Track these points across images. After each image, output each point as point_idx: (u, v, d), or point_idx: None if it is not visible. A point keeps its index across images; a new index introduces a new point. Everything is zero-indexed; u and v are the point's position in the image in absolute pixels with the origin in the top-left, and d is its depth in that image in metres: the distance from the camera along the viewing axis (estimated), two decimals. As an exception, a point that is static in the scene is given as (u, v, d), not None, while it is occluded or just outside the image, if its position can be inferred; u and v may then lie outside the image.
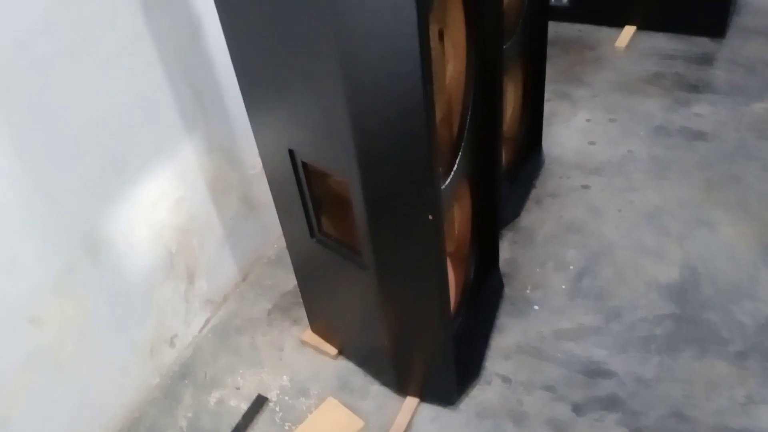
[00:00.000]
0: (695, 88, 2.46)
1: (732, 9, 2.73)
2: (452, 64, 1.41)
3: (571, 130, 2.34)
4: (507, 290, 1.78)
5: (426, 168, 1.11)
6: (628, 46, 2.76)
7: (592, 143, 2.27)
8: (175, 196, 1.62)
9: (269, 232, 1.98)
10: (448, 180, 1.32)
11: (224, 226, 1.81)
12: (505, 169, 1.92)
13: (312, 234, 1.43)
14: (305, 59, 1.08)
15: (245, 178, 1.85)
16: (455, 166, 1.37)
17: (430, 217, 1.17)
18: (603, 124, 2.36)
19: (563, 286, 1.78)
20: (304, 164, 1.30)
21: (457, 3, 1.31)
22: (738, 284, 1.72)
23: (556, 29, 2.88)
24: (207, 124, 1.66)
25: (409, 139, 1.08)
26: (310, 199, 1.37)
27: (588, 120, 2.38)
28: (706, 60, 2.61)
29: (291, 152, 1.28)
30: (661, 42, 2.76)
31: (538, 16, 1.93)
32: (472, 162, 1.50)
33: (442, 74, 1.39)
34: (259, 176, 1.82)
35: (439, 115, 1.34)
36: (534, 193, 2.09)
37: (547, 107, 2.25)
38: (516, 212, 1.98)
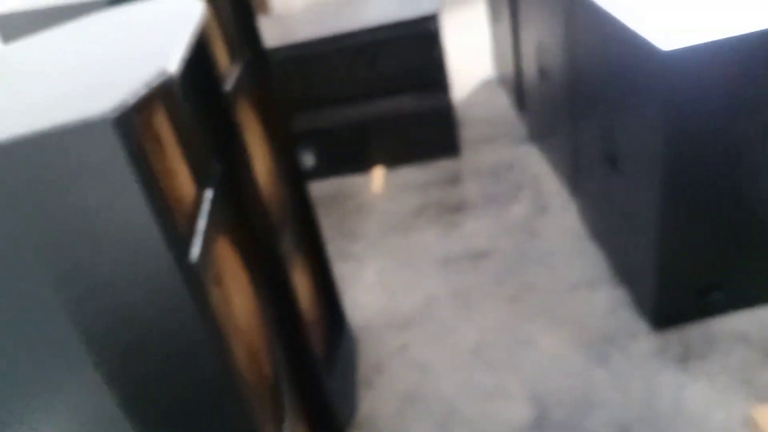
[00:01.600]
0: (457, 209, 2.58)
1: (457, 128, 2.97)
2: (237, 299, 1.24)
3: (367, 290, 2.28)
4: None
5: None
6: (384, 188, 2.84)
7: (391, 297, 2.22)
8: None
9: None
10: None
11: None
12: (323, 366, 1.76)
13: None
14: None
15: None
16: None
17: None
18: (393, 272, 2.33)
19: (429, 470, 1.63)
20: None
21: (226, 245, 1.16)
22: (582, 396, 1.72)
23: (312, 189, 2.87)
24: None
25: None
26: None
27: (377, 273, 2.34)
28: (455, 179, 2.77)
29: None
30: (412, 175, 2.88)
31: (302, 201, 1.86)
32: (292, 392, 1.31)
33: (230, 317, 1.21)
34: None
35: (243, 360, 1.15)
36: (360, 377, 1.95)
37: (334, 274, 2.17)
38: (351, 409, 1.80)
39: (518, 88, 3.03)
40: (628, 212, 1.88)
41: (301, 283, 1.86)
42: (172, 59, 0.77)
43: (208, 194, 1.03)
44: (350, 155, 2.97)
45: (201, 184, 1.00)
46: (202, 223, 0.95)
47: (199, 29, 1.00)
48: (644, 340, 1.84)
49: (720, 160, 1.59)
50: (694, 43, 1.41)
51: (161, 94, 0.74)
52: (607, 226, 2.10)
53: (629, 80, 1.64)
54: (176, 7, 1.20)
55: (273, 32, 2.85)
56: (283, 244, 1.63)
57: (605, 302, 1.99)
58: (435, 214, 2.58)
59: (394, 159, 2.96)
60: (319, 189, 2.92)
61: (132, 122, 0.67)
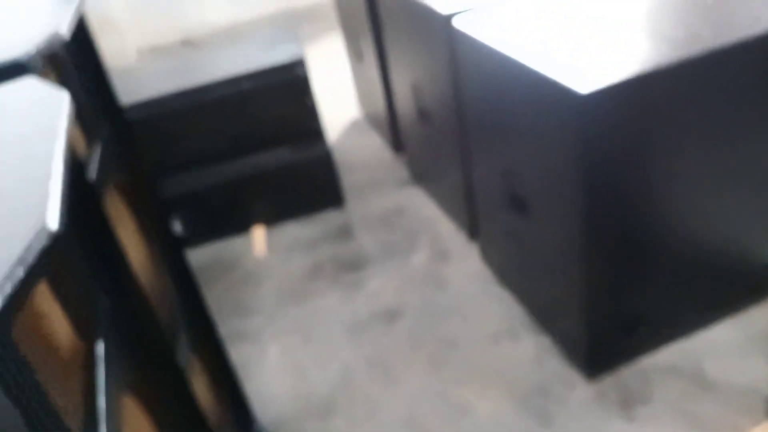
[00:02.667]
0: (355, 265, 2.39)
1: (339, 177, 2.79)
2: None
3: (273, 375, 2.02)
4: None
5: None
6: (268, 249, 2.59)
7: (302, 379, 1.98)
8: None
9: None
10: None
11: None
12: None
13: None
14: None
15: None
16: None
17: None
18: (298, 348, 2.09)
19: None
20: None
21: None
22: (534, 464, 1.59)
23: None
24: None
25: None
26: None
27: (281, 353, 2.09)
28: (345, 232, 2.59)
29: None
30: (297, 231, 2.66)
31: (187, 288, 1.59)
32: None
33: None
34: None
35: None
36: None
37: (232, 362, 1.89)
38: None
39: (393, 129, 2.92)
40: (543, 256, 1.80)
41: (201, 390, 1.59)
42: (51, 214, 0.52)
43: (100, 348, 0.77)
44: (225, 217, 2.70)
45: (89, 340, 0.74)
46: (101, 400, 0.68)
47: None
48: (580, 388, 1.76)
49: (636, 196, 1.55)
50: (610, 83, 1.35)
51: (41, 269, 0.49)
52: (518, 270, 2.02)
53: (538, 122, 1.56)
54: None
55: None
56: (180, 354, 1.36)
57: (531, 351, 1.90)
58: (332, 273, 2.37)
59: (275, 216, 2.72)
60: (196, 258, 2.61)
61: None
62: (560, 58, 1.49)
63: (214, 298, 2.36)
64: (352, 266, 2.39)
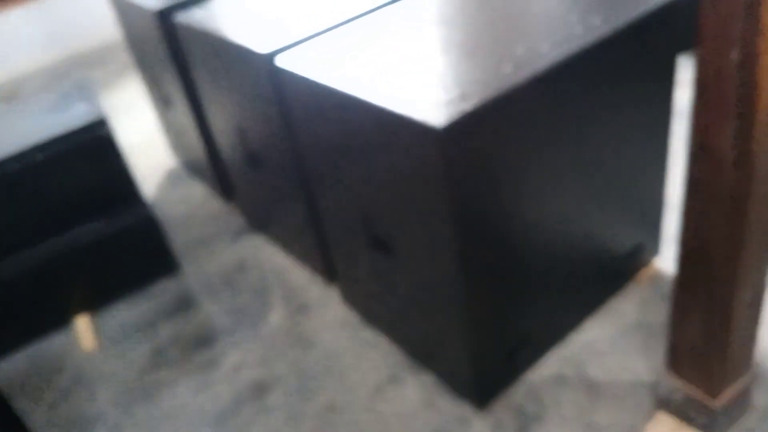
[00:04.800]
0: (204, 341, 2.11)
1: (165, 238, 2.48)
2: None
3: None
4: None
5: None
6: (97, 341, 2.22)
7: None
8: None
9: None
10: None
11: None
12: None
13: None
14: None
15: None
16: None
17: None
18: (158, 455, 1.78)
19: None
20: None
21: None
22: None
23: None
24: None
25: None
26: None
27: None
28: (185, 302, 2.29)
29: None
30: (128, 312, 2.31)
31: None
32: None
33: None
34: None
35: None
36: None
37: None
38: None
39: (219, 176, 2.67)
40: (414, 292, 1.68)
41: None
42: None
43: None
44: (37, 312, 2.27)
45: None
46: None
47: None
48: (477, 422, 1.67)
49: (504, 217, 1.48)
50: (464, 111, 1.25)
51: None
52: (388, 311, 1.88)
53: (392, 159, 1.43)
54: None
55: None
56: None
57: (419, 394, 1.77)
58: (178, 357, 2.07)
59: (100, 298, 2.35)
60: (5, 373, 2.17)
61: None
62: (403, 91, 1.37)
63: (41, 419, 1.96)
64: (201, 343, 2.11)
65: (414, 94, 1.35)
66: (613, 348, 1.79)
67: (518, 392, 1.72)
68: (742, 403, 1.53)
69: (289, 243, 2.35)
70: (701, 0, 1.09)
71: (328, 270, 2.12)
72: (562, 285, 1.74)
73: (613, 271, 1.91)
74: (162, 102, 2.87)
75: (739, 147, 1.15)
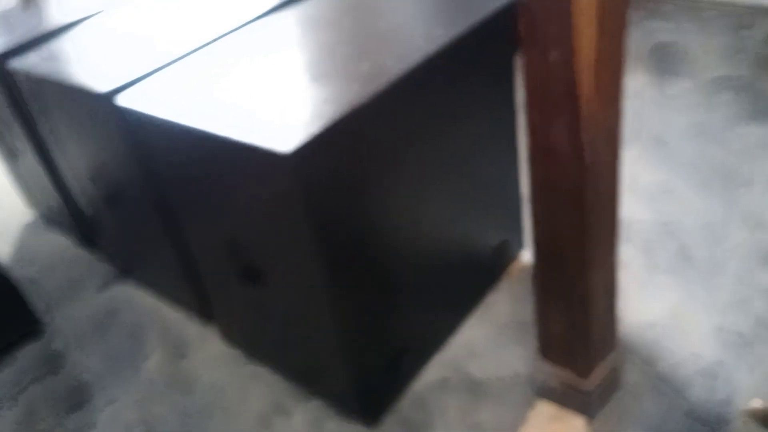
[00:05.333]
0: (78, 398, 1.97)
1: (25, 295, 2.29)
2: None
3: None
4: None
5: None
6: (-46, 418, 2.02)
7: None
8: None
9: None
10: None
11: None
12: None
13: None
14: None
15: None
16: None
17: None
18: None
19: None
20: None
21: None
22: None
23: None
24: None
25: None
26: None
27: None
28: (53, 361, 2.13)
29: None
30: (-12, 383, 2.12)
31: None
32: None
33: None
34: None
35: None
36: None
37: None
38: None
39: (78, 223, 2.52)
40: (290, 319, 1.66)
41: None
42: None
43: None
44: None
45: None
46: None
47: None
48: (369, 441, 1.66)
49: (370, 231, 1.50)
50: (313, 134, 1.25)
51: None
52: (267, 341, 1.85)
53: (250, 188, 1.41)
54: None
55: None
56: None
57: (307, 421, 1.74)
58: (51, 419, 1.92)
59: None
60: None
61: None
62: (251, 120, 1.36)
63: None
64: (75, 401, 1.97)
65: (262, 122, 1.34)
66: (491, 345, 1.84)
67: (406, 403, 1.73)
68: (612, 381, 1.62)
69: (160, 285, 2.25)
70: (518, 6, 1.16)
71: (204, 308, 2.05)
72: (437, 289, 1.78)
73: (484, 270, 1.98)
74: (9, 155, 2.68)
75: (571, 142, 1.23)
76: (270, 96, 1.45)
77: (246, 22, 1.88)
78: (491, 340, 1.86)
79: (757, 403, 1.52)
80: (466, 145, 1.69)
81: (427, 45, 1.50)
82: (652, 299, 1.87)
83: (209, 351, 2.03)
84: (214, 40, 1.83)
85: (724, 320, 1.76)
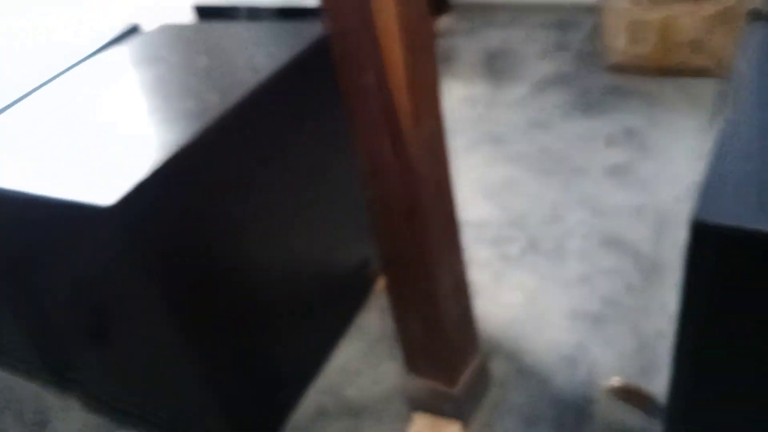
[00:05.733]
0: None
1: None
2: None
3: None
4: None
5: None
6: None
7: None
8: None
9: None
10: None
11: None
12: None
13: None
14: None
15: None
16: None
17: None
18: None
19: None
20: None
21: None
22: None
23: None
24: None
25: None
26: None
27: None
28: None
29: None
30: None
31: None
32: None
33: None
34: None
35: None
36: None
37: None
38: None
39: None
40: (151, 375, 1.58)
41: None
42: None
43: None
44: None
45: None
46: None
47: None
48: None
49: (223, 270, 1.46)
50: (138, 180, 1.20)
51: None
52: (132, 404, 1.74)
53: (69, 246, 1.32)
54: None
55: None
56: None
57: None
58: None
59: None
60: None
61: None
62: (72, 174, 1.28)
63: None
64: None
65: (83, 175, 1.27)
66: (365, 365, 1.84)
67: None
68: (480, 382, 1.66)
69: (7, 362, 2.07)
70: (330, 36, 1.16)
71: (60, 377, 1.90)
72: (305, 315, 1.76)
73: (350, 289, 1.98)
74: None
75: (398, 159, 1.25)
76: (91, 144, 1.38)
77: (65, 69, 1.78)
78: (364, 360, 1.86)
79: (616, 381, 1.61)
80: (311, 169, 1.69)
81: (250, 78, 1.48)
82: (510, 294, 1.95)
83: (73, 423, 1.89)
84: (29, 93, 1.71)
85: (575, 304, 1.87)
